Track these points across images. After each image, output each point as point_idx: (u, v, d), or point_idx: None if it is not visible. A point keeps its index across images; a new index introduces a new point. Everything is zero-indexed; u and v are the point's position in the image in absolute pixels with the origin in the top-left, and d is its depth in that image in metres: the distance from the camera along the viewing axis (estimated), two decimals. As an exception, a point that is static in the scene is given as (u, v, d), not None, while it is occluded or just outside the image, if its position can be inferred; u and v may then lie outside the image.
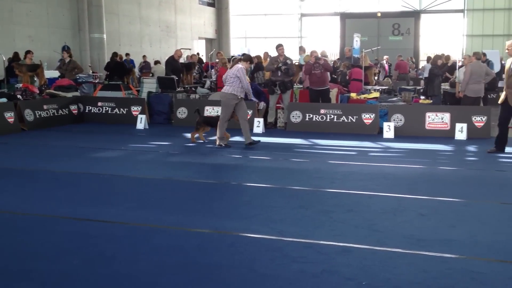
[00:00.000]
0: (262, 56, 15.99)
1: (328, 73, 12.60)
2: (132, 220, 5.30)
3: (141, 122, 12.53)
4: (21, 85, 13.37)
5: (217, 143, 9.64)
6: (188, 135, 10.73)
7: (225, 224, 5.18)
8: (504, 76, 8.85)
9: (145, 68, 20.77)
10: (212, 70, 19.29)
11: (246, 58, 10.01)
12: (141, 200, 6.13)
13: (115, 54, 17.20)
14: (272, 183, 6.94)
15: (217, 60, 17.74)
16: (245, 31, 35.28)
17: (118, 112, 13.42)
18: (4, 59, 15.53)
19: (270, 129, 12.20)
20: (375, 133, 11.33)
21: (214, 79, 17.26)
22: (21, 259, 4.24)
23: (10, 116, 11.52)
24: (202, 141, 10.15)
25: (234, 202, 6.12)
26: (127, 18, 26.44)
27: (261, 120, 11.95)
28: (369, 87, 14.99)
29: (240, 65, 9.54)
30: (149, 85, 14.57)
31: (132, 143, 10.32)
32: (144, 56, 22.30)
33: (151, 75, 17.23)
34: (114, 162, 8.52)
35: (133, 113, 13.17)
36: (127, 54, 22.21)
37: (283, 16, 35.84)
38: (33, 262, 4.20)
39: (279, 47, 12.31)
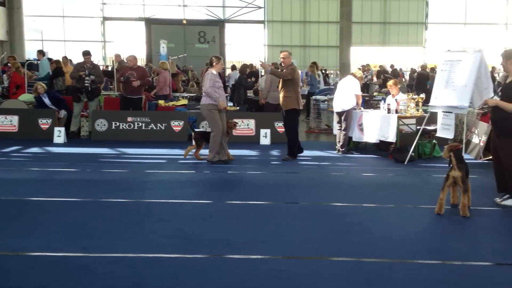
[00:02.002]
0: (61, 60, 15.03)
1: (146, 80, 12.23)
2: None
3: None
4: None
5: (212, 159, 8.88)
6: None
7: (23, 244, 4.71)
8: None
9: None
10: (4, 75, 17.54)
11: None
12: None
13: None
14: (77, 196, 6.54)
15: (9, 65, 16.19)
16: (42, 32, 32.81)
17: None
18: None
19: (73, 139, 11.51)
20: (185, 140, 11.42)
21: (6, 85, 15.67)
22: None
23: None
24: (199, 160, 9.15)
25: (34, 220, 5.60)
26: None
27: (62, 129, 11.21)
28: (177, 94, 15.12)
29: (209, 71, 8.98)
30: None
31: None
32: None
33: None
34: None
35: None
36: None
37: (84, 19, 34.18)
38: None
39: (85, 55, 11.69)
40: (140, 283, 3.93)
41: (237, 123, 9.45)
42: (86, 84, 11.44)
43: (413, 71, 23.50)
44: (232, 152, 9.42)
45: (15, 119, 11.58)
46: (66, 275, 4.05)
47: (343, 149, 10.17)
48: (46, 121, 11.51)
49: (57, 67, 14.68)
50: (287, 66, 9.35)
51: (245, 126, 11.68)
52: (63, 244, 4.74)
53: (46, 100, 11.75)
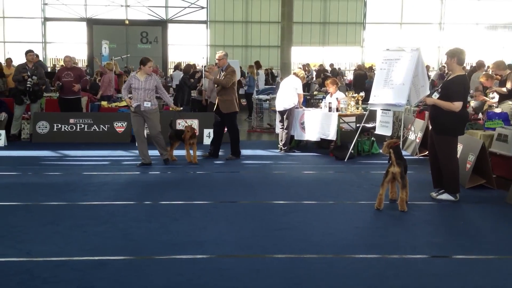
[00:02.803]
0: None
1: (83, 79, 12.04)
2: None
3: None
4: None
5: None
6: None
7: (-38, 251, 4.65)
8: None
9: None
10: None
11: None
12: None
13: None
14: (17, 200, 6.45)
15: None
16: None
17: None
18: None
19: (14, 141, 11.25)
20: (128, 141, 11.37)
21: None
22: None
23: None
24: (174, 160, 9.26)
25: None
26: None
27: (3, 132, 10.93)
28: (120, 95, 14.93)
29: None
30: None
31: None
32: None
33: None
34: None
35: None
36: None
37: (24, 19, 33.21)
38: None
39: (29, 53, 11.43)
40: (85, 286, 3.97)
41: (194, 128, 9.38)
42: (29, 85, 11.19)
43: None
44: (175, 152, 9.48)
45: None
46: (9, 280, 4.04)
47: (285, 148, 10.41)
48: (-16, 124, 11.17)
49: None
50: (226, 68, 9.48)
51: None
52: (5, 249, 4.70)
53: None
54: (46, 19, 33.71)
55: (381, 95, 9.58)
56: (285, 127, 10.40)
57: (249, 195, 6.98)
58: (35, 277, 4.11)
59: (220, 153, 9.85)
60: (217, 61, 9.64)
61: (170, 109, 9.93)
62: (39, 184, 7.46)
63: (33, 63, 11.64)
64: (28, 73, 11.24)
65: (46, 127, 11.38)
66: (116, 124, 11.58)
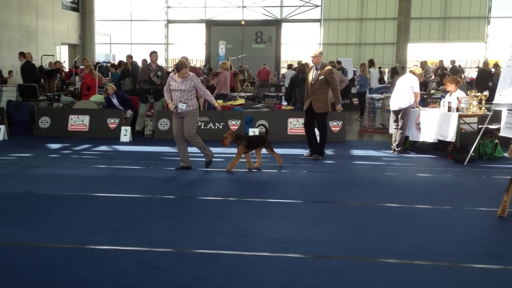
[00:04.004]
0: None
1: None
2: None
3: (0, 133, 11.72)
4: None
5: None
6: (53, 145, 10.27)
7: (92, 238, 5.07)
8: (309, 85, 9.51)
9: None
10: (76, 77, 18.54)
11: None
12: (1, 217, 5.77)
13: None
14: (141, 193, 6.90)
15: (82, 67, 17.10)
16: (110, 36, 34.30)
17: (-28, 123, 12.42)
18: None
19: (138, 137, 12.07)
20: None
21: (78, 87, 16.62)
22: None
23: None
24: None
25: (102, 215, 5.98)
26: (-17, 21, 24.43)
27: (129, 128, 11.78)
28: (235, 93, 15.42)
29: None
30: (9, 93, 13.67)
31: (-13, 156, 9.61)
32: None
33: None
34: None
35: (-10, 123, 12.27)
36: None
37: (149, 22, 35.44)
38: None
39: (153, 54, 12.21)
40: (201, 278, 4.16)
41: (233, 133, 8.56)
42: (153, 86, 11.93)
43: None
44: (287, 151, 9.58)
45: (86, 118, 12.26)
46: (132, 268, 4.34)
47: (399, 149, 10.12)
48: (114, 120, 12.12)
49: (125, 69, 15.36)
50: (322, 67, 9.36)
51: (300, 125, 11.82)
52: (129, 238, 5.07)
53: (115, 101, 12.40)
54: (168, 22, 35.63)
55: (508, 94, 8.96)
56: (399, 127, 10.10)
57: (360, 196, 6.88)
58: (155, 266, 4.38)
59: (329, 152, 9.78)
60: (312, 60, 9.54)
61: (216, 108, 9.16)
62: (159, 178, 7.93)
63: (156, 64, 12.38)
64: (153, 73, 11.99)
65: (167, 124, 12.05)
66: (231, 122, 11.95)
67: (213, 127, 12.00)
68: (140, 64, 15.41)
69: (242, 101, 13.75)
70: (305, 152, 9.86)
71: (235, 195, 6.84)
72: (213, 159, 8.66)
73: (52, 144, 11.06)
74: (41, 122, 12.38)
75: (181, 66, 8.35)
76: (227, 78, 14.63)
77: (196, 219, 5.76)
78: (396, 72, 20.78)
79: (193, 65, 16.07)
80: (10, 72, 18.94)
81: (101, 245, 4.87)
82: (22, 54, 16.25)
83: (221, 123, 11.96)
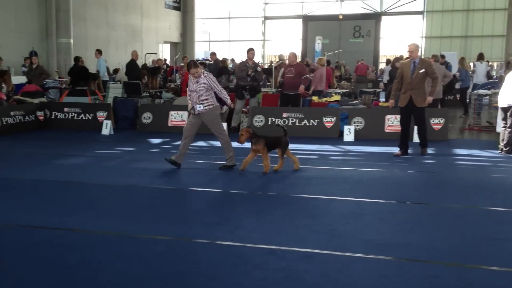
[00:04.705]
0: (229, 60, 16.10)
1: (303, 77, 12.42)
2: (96, 228, 5.29)
3: (106, 128, 12.48)
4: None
5: None
6: (154, 140, 10.74)
7: (187, 231, 5.22)
8: (408, 79, 9.17)
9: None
10: (177, 74, 19.28)
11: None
12: (105, 208, 6.12)
13: (76, 59, 16.95)
14: (236, 188, 7.02)
15: (182, 64, 17.75)
16: (209, 34, 35.32)
17: (84, 118, 13.34)
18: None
19: (233, 133, 12.27)
20: (336, 136, 11.54)
21: (179, 83, 17.28)
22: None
23: (-22, 123, 11.36)
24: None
25: (195, 209, 6.16)
26: (94, 22, 26.20)
27: (225, 124, 12.00)
28: (330, 90, 15.24)
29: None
30: (115, 90, 14.52)
31: (97, 149, 10.25)
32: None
33: (114, 79, 17.12)
34: (78, 169, 8.45)
35: (99, 118, 13.10)
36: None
37: (247, 19, 36.04)
38: (-6, 275, 4.16)
39: (250, 51, 12.40)
40: (292, 276, 4.14)
41: (249, 131, 8.08)
42: (249, 82, 12.12)
43: None
44: (384, 149, 9.33)
45: (185, 114, 12.69)
46: (224, 262, 4.41)
47: (507, 149, 9.48)
48: (211, 116, 12.42)
49: (222, 67, 15.75)
50: (421, 62, 9.19)
51: (398, 122, 11.43)
52: (222, 233, 5.15)
53: None
54: (266, 18, 35.99)
55: None
56: (508, 125, 9.46)
57: (461, 199, 6.52)
58: (247, 262, 4.42)
59: (429, 150, 9.37)
60: (408, 53, 9.27)
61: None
62: (252, 174, 7.99)
63: (253, 60, 12.52)
64: (249, 70, 12.16)
65: (262, 120, 12.17)
66: (325, 119, 11.83)
67: (307, 124, 11.93)
68: (235, 62, 15.68)
69: (337, 97, 13.56)
70: (397, 150, 9.56)
71: (327, 193, 6.74)
72: (232, 167, 8.29)
73: (153, 139, 11.58)
74: (144, 117, 12.98)
75: (190, 65, 8.19)
76: (323, 74, 14.49)
77: (288, 216, 5.75)
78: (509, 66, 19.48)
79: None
80: (117, 69, 20.03)
81: (196, 238, 5.00)
82: (99, 52, 17.00)
83: (316, 120, 11.86)
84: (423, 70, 9.08)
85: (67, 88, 15.93)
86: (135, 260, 4.45)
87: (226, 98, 8.44)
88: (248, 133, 7.99)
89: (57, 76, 20.45)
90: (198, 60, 18.05)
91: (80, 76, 15.76)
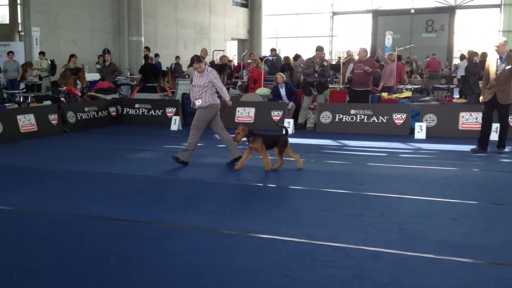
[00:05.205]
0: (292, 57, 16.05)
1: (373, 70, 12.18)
2: (166, 221, 5.40)
3: (175, 124, 12.76)
4: (65, 88, 13.93)
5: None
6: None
7: (254, 226, 5.23)
8: (493, 75, 8.85)
9: (177, 70, 20.34)
10: (243, 71, 19.42)
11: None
12: (175, 201, 6.25)
13: (146, 57, 17.45)
14: (300, 185, 6.97)
15: (249, 61, 17.87)
16: (276, 31, 35.34)
17: (153, 114, 13.71)
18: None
19: (300, 130, 12.23)
20: (406, 134, 11.22)
21: (246, 80, 17.41)
22: (61, 259, 4.37)
23: (53, 118, 11.94)
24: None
25: (263, 204, 6.15)
26: (164, 21, 26.90)
27: (291, 121, 11.99)
28: (401, 86, 14.84)
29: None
30: (184, 87, 14.84)
31: (166, 144, 10.50)
32: (177, 57, 21.41)
33: (187, 76, 17.48)
34: (148, 163, 8.69)
35: (168, 114, 13.41)
36: (156, 55, 21.44)
37: (314, 15, 35.77)
38: (72, 261, 4.32)
39: (318, 49, 12.27)
40: (359, 275, 4.04)
41: (245, 129, 7.83)
42: (317, 79, 12.02)
43: None
44: (457, 147, 8.99)
45: (251, 111, 12.77)
46: (291, 258, 4.37)
47: None
48: (278, 113, 12.43)
49: (285, 63, 15.69)
50: (508, 57, 8.76)
51: (473, 120, 11.00)
52: (288, 229, 5.12)
53: (282, 90, 12.71)
54: (334, 14, 35.58)
55: None
56: None
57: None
58: (314, 259, 4.36)
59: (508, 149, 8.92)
60: (495, 48, 8.81)
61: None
62: (320, 171, 7.92)
63: (321, 57, 12.39)
64: (317, 66, 12.05)
65: (329, 117, 12.03)
66: (395, 116, 11.52)
67: (376, 121, 11.66)
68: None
69: (408, 93, 13.17)
70: (472, 146, 9.21)
71: (397, 191, 6.55)
72: (183, 162, 8.17)
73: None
74: (211, 113, 13.13)
75: (193, 60, 8.05)
76: (393, 70, 14.14)
77: (355, 214, 5.63)
78: None
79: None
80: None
81: (262, 234, 4.99)
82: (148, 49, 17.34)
83: (385, 117, 11.59)
84: (510, 66, 8.73)
85: (138, 85, 16.44)
86: (203, 253, 4.50)
87: (225, 94, 8.34)
88: (244, 131, 7.83)
89: (129, 73, 21.14)
90: (265, 57, 18.13)
91: (151, 73, 16.22)
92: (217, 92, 8.35)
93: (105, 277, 4.04)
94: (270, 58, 17.72)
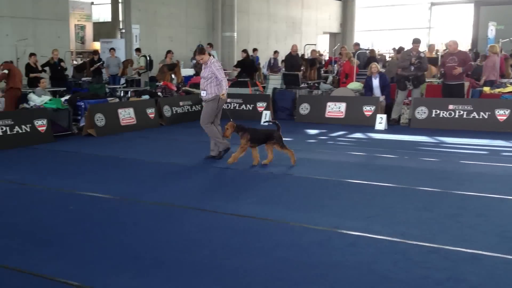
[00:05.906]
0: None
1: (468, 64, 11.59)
2: (255, 214, 5.47)
3: (265, 118, 12.87)
4: (161, 83, 14.54)
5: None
6: (311, 131, 10.81)
7: (345, 223, 5.15)
8: None
9: (275, 65, 19.91)
10: (335, 65, 19.19)
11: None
12: (263, 195, 6.30)
13: (245, 51, 17.60)
14: (394, 182, 6.77)
15: (340, 55, 17.62)
16: (370, 23, 34.52)
17: (244, 108, 13.90)
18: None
19: (393, 125, 11.88)
20: (510, 131, 10.55)
21: (336, 75, 17.21)
22: (154, 248, 4.57)
23: (151, 112, 12.47)
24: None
25: (354, 201, 6.04)
26: (256, 16, 27.19)
27: (384, 116, 11.67)
28: (504, 80, 13.98)
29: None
30: (275, 82, 14.94)
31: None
32: (275, 52, 20.75)
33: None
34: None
35: (258, 109, 13.55)
36: (254, 50, 21.45)
37: (411, 6, 34.51)
38: (165, 251, 4.50)
39: (415, 42, 11.88)
40: (456, 278, 3.87)
41: (234, 125, 7.76)
42: (413, 72, 11.64)
43: None
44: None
45: (343, 106, 12.59)
46: (384, 257, 4.27)
47: None
48: (370, 108, 12.16)
49: (370, 56, 15.32)
50: None
51: None
52: (381, 227, 5.00)
53: (376, 81, 12.39)
54: (432, 4, 34.17)
55: None
56: None
57: None
58: (408, 259, 4.23)
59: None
60: None
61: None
62: (413, 169, 7.66)
63: (418, 51, 11.95)
64: (413, 60, 11.64)
65: (424, 112, 11.58)
66: (498, 112, 10.88)
67: (477, 117, 11.06)
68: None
69: (512, 88, 12.38)
70: None
71: (498, 192, 6.18)
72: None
73: (311, 129, 11.64)
74: (301, 108, 13.12)
75: (196, 52, 7.90)
76: (496, 62, 13.34)
77: (452, 214, 5.39)
78: None
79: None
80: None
81: (353, 231, 4.91)
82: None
83: (487, 113, 10.96)
84: None
85: (230, 79, 16.72)
86: (292, 248, 4.51)
87: (223, 87, 8.19)
88: (233, 127, 7.76)
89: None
90: (357, 51, 17.78)
91: (247, 69, 16.45)
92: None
93: (197, 267, 4.16)
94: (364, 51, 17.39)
